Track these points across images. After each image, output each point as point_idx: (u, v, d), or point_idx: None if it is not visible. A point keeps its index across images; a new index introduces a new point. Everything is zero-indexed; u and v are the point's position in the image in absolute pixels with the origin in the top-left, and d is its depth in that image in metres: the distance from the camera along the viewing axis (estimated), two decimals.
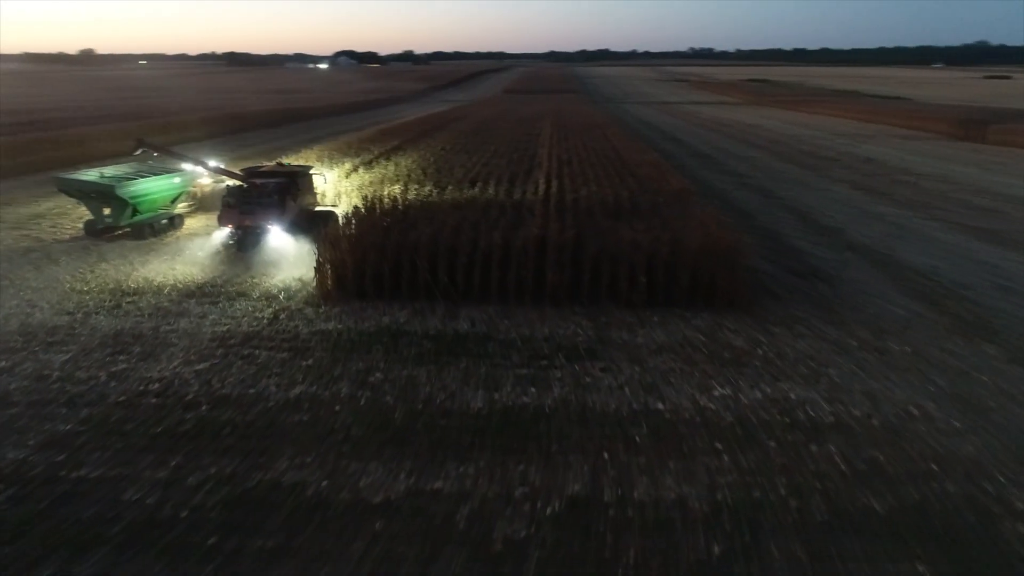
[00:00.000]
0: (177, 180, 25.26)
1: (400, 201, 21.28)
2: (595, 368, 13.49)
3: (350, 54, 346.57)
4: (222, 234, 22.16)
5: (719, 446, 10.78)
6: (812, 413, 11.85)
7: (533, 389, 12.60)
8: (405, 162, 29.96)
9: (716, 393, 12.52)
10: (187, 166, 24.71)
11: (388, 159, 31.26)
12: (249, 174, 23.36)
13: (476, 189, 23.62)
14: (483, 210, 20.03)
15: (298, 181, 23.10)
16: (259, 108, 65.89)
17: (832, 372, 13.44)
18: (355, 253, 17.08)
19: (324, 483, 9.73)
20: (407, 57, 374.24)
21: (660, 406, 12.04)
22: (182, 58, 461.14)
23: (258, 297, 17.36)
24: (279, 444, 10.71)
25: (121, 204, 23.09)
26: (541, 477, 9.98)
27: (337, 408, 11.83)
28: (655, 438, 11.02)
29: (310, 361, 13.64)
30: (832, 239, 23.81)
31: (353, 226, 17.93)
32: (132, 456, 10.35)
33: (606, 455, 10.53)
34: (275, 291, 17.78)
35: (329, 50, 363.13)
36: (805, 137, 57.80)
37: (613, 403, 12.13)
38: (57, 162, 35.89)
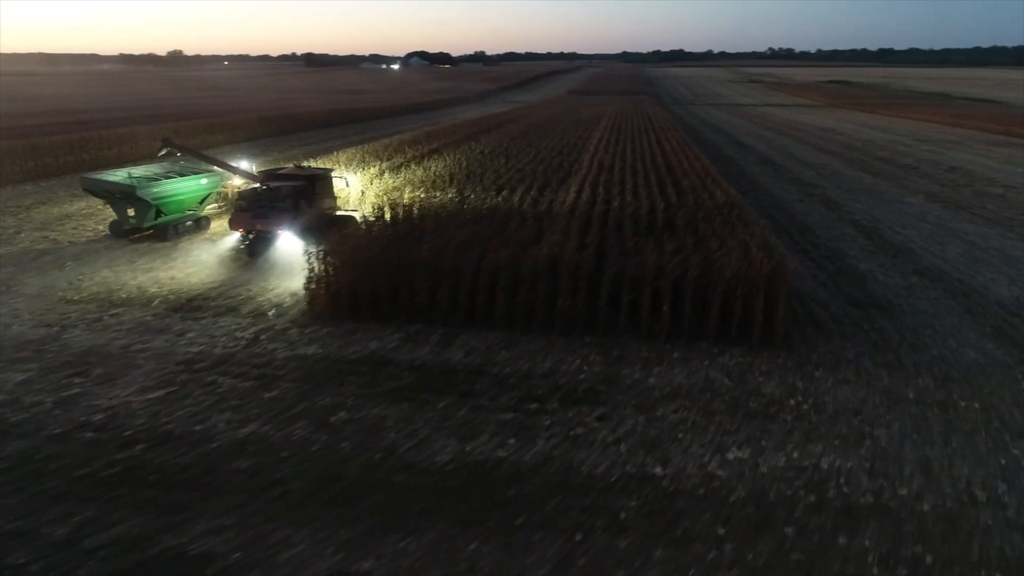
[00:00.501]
0: (204, 181, 24.77)
1: (415, 209, 19.85)
2: (592, 416, 11.60)
3: (422, 55, 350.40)
4: (235, 238, 21.56)
5: (722, 531, 8.78)
6: (847, 490, 9.65)
7: (513, 440, 10.82)
8: (438, 166, 28.55)
9: (731, 456, 10.45)
10: (212, 167, 24.28)
11: (421, 163, 29.93)
12: (267, 176, 22.76)
13: (502, 196, 22.00)
14: (501, 222, 18.36)
15: (315, 185, 22.23)
16: (319, 109, 66.00)
17: (879, 433, 11.14)
18: (351, 269, 15.67)
19: (235, 556, 8.25)
20: (478, 58, 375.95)
21: (659, 470, 10.08)
22: (264, 59, 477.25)
23: (247, 313, 16.18)
24: (205, 498, 9.32)
25: (144, 205, 22.79)
26: (494, 561, 8.23)
27: (284, 455, 10.36)
28: (645, 515, 9.10)
29: (275, 393, 12.26)
30: (900, 261, 21.03)
31: (351, 238, 16.49)
32: (40, 506, 9.13)
33: (580, 535, 8.68)
34: (268, 306, 16.59)
35: (403, 51, 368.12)
36: (883, 142, 53.70)
37: (604, 464, 10.24)
38: (104, 161, 36.26)
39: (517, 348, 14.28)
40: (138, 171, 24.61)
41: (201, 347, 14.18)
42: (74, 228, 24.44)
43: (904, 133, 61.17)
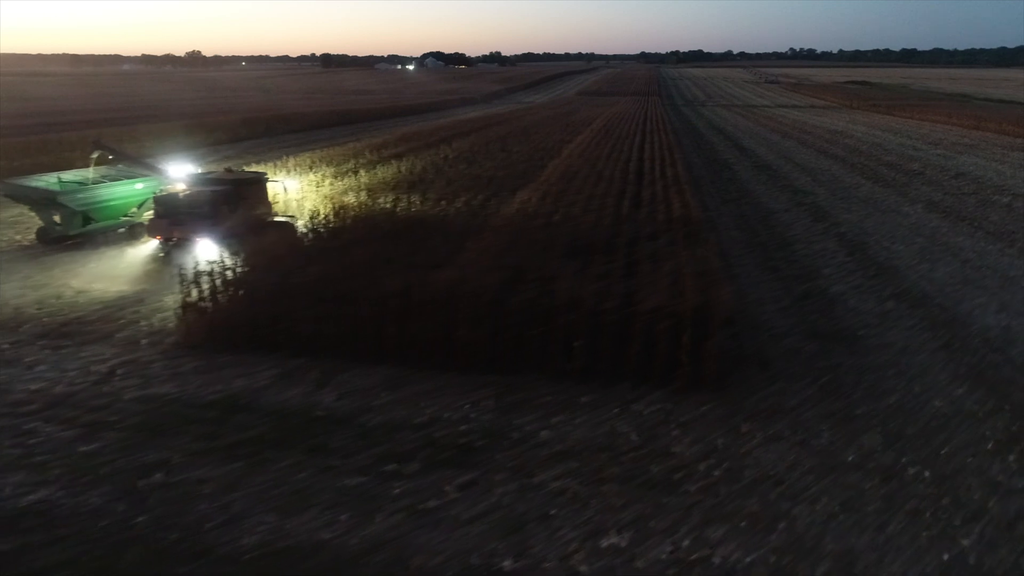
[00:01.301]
0: (140, 186, 23.35)
1: (337, 218, 18.08)
2: (455, 483, 9.63)
3: (437, 55, 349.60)
4: (153, 246, 20.49)
5: None
6: None
7: (346, 516, 8.89)
8: (392, 171, 26.76)
9: (605, 543, 8.44)
10: (148, 172, 23.10)
11: (378, 167, 28.16)
12: (195, 181, 21.51)
13: (441, 205, 20.18)
14: (420, 238, 16.46)
15: (241, 190, 20.90)
16: (313, 110, 64.65)
17: (799, 512, 9.05)
18: (230, 292, 13.87)
19: None
20: (495, 59, 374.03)
21: (508, 564, 8.10)
22: (284, 60, 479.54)
23: (120, 340, 14.43)
24: None
25: (69, 211, 21.41)
26: None
27: (62, 532, 8.53)
28: None
29: (94, 446, 10.44)
30: (880, 282, 18.79)
31: (232, 258, 14.66)
32: None
33: None
34: (149, 330, 14.84)
35: (420, 51, 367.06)
36: (892, 146, 51.06)
37: (444, 553, 8.28)
38: (64, 163, 34.84)
39: (403, 389, 12.35)
40: (69, 176, 23.27)
41: (43, 384, 12.42)
42: (17, 233, 23.00)
43: (917, 136, 58.36)
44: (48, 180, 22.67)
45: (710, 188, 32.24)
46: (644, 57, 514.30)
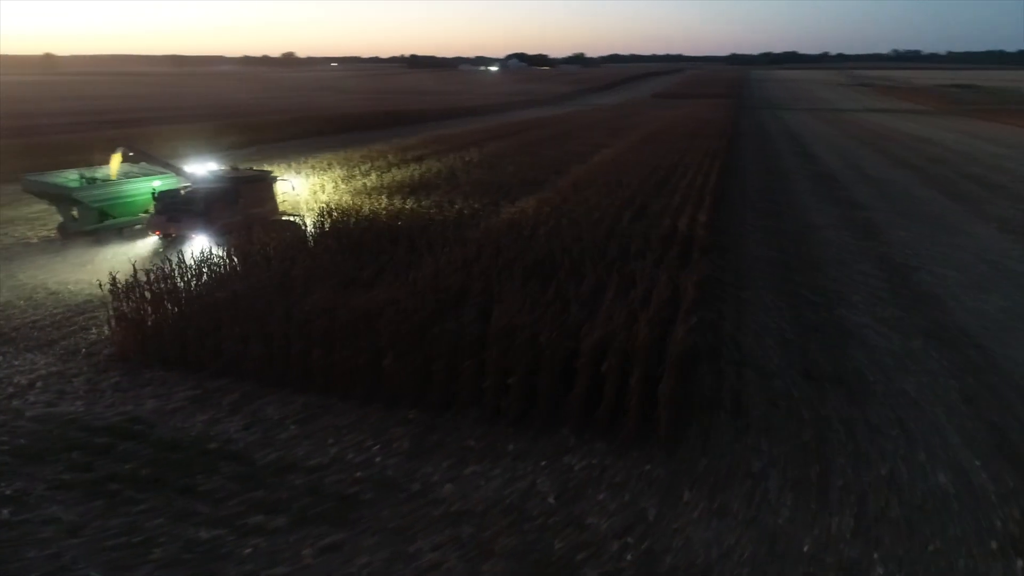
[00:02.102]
0: (157, 184, 23.36)
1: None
2: (318, 544, 8.33)
3: (520, 57, 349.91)
4: (152, 241, 20.86)
5: None
6: None
7: None
8: (401, 175, 25.92)
9: None
10: (163, 169, 23.28)
11: (392, 170, 27.44)
12: (197, 179, 21.84)
13: (433, 211, 19.09)
14: (385, 247, 15.31)
15: (240, 188, 20.98)
16: (370, 110, 64.83)
17: None
18: (155, 304, 13.06)
19: None
20: (577, 60, 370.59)
21: None
22: (374, 61, 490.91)
23: (61, 348, 13.89)
24: None
25: (85, 207, 21.83)
26: None
27: None
28: None
29: None
30: (915, 315, 16.31)
31: (163, 267, 13.82)
32: None
33: None
34: (94, 339, 14.25)
35: (506, 53, 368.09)
36: (983, 155, 46.51)
37: None
38: (103, 161, 35.76)
39: (316, 422, 11.15)
40: (91, 173, 23.72)
41: None
42: (30, 229, 23.60)
43: (1015, 145, 53.12)
44: (67, 177, 23.05)
45: (755, 199, 29.78)
46: (735, 59, 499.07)
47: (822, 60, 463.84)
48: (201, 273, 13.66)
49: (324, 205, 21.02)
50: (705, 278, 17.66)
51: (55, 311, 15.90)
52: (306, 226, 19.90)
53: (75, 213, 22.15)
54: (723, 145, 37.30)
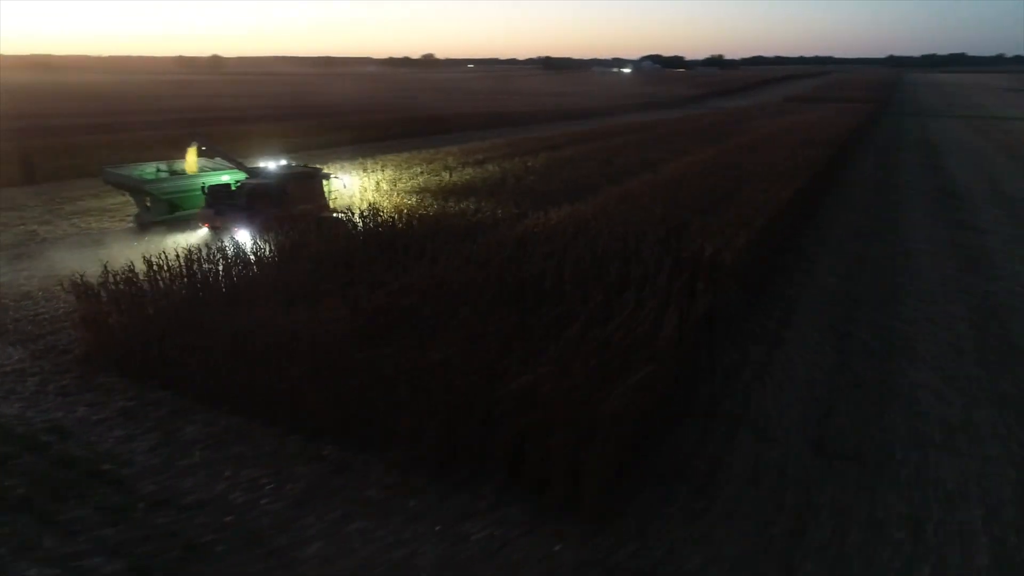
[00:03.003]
0: (225, 178, 24.15)
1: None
2: None
3: (655, 58, 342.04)
4: (202, 234, 21.29)
5: None
6: None
7: None
8: (454, 177, 25.11)
9: None
10: (230, 165, 23.83)
11: (449, 172, 26.79)
12: (251, 174, 22.48)
13: (455, 218, 18.05)
14: (366, 259, 14.27)
15: (287, 184, 21.33)
16: (471, 111, 64.69)
17: None
18: (116, 306, 12.70)
19: None
20: (714, 62, 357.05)
21: None
22: (512, 62, 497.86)
23: (40, 344, 13.97)
24: None
25: (156, 199, 23.02)
26: None
27: None
28: None
29: None
30: (994, 374, 13.18)
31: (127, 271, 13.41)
32: None
33: None
34: (73, 337, 14.19)
35: (641, 54, 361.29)
36: None
37: None
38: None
39: (228, 449, 10.23)
40: (168, 166, 24.85)
41: None
42: (96, 218, 24.75)
43: None
44: (143, 169, 24.22)
45: (849, 217, 26.30)
46: (893, 61, 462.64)
47: (996, 62, 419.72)
48: (184, 274, 13.15)
49: (361, 205, 20.62)
50: (743, 310, 15.42)
51: (61, 304, 16.09)
52: (353, 224, 19.50)
53: (148, 204, 23.45)
54: (831, 154, 33.48)
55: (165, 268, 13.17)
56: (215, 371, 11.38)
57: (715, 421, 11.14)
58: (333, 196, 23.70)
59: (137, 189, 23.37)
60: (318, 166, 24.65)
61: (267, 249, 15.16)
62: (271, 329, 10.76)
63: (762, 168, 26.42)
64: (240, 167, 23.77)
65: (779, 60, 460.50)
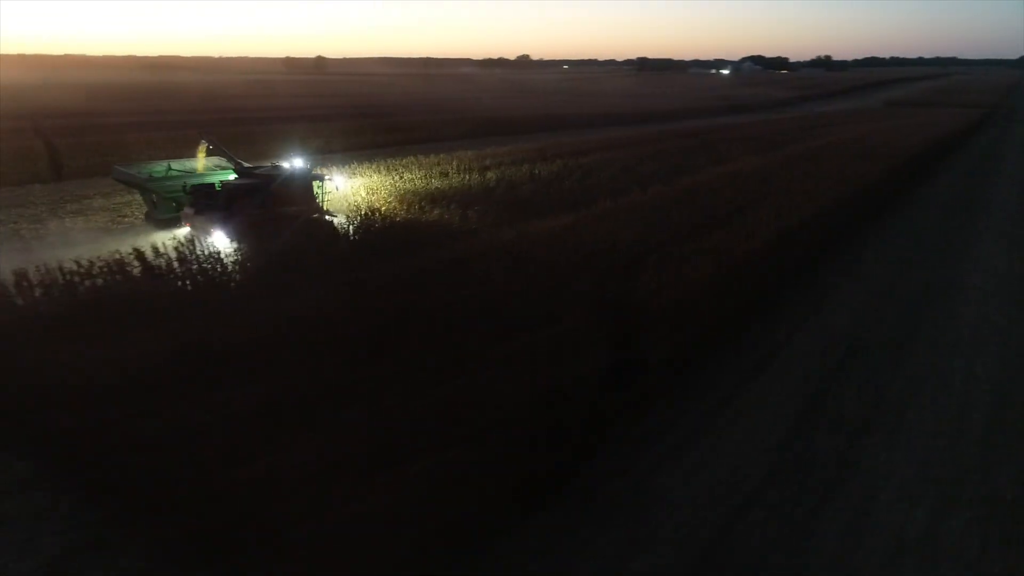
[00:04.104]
0: (232, 178, 23.76)
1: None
2: None
3: (756, 59, 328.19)
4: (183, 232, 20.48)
5: None
6: None
7: None
8: (456, 182, 23.90)
9: None
10: (232, 164, 23.68)
11: (453, 177, 25.45)
12: (240, 174, 22.37)
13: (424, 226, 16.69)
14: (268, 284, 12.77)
15: (271, 185, 20.77)
16: (524, 113, 62.75)
17: None
18: None
19: None
20: (822, 63, 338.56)
21: None
22: (610, 63, 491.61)
23: None
24: None
25: (162, 198, 23.01)
26: None
27: None
28: None
29: None
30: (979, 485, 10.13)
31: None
32: None
33: None
34: None
35: (744, 55, 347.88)
36: None
37: None
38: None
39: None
40: (178, 164, 24.65)
41: None
42: (89, 218, 24.82)
43: None
44: (153, 168, 24.06)
45: (895, 241, 22.81)
46: None
47: None
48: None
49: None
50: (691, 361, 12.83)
51: None
52: (343, 227, 19.49)
53: (155, 202, 23.35)
54: (888, 171, 29.58)
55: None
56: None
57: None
58: (327, 198, 22.84)
59: (143, 187, 23.34)
60: (308, 166, 23.71)
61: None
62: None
63: (791, 185, 23.29)
64: (237, 167, 23.36)
65: (895, 61, 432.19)
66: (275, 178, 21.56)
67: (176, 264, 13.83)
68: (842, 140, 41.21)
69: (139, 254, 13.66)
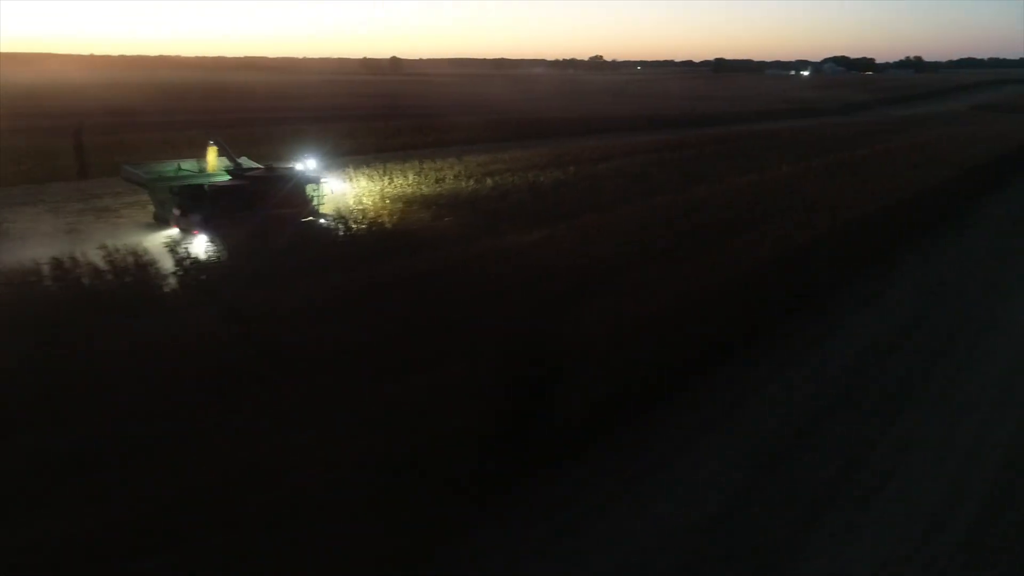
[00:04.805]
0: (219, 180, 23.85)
1: None
2: None
3: (839, 60, 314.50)
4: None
5: None
6: None
7: None
8: (441, 188, 23.15)
9: None
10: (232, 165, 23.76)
11: (448, 182, 24.83)
12: (234, 175, 22.25)
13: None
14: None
15: (259, 187, 20.82)
16: (574, 116, 61.34)
17: None
18: None
19: None
20: (910, 64, 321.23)
21: None
22: (686, 64, 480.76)
23: None
24: None
25: (163, 197, 22.90)
26: None
27: None
28: None
29: None
30: None
31: None
32: None
33: None
34: None
35: (828, 55, 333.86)
36: None
37: None
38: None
39: None
40: (187, 165, 24.91)
41: None
42: (87, 218, 24.83)
43: None
44: (163, 168, 24.40)
45: (906, 287, 20.43)
46: None
47: None
48: None
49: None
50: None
51: None
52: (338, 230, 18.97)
53: (161, 201, 23.32)
54: (946, 178, 27.04)
55: None
56: None
57: None
58: (323, 201, 22.66)
59: (148, 187, 23.42)
60: (300, 168, 23.42)
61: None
62: None
63: (812, 200, 21.41)
64: (234, 168, 23.36)
65: (994, 62, 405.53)
66: (265, 180, 21.36)
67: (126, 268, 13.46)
68: (898, 147, 38.28)
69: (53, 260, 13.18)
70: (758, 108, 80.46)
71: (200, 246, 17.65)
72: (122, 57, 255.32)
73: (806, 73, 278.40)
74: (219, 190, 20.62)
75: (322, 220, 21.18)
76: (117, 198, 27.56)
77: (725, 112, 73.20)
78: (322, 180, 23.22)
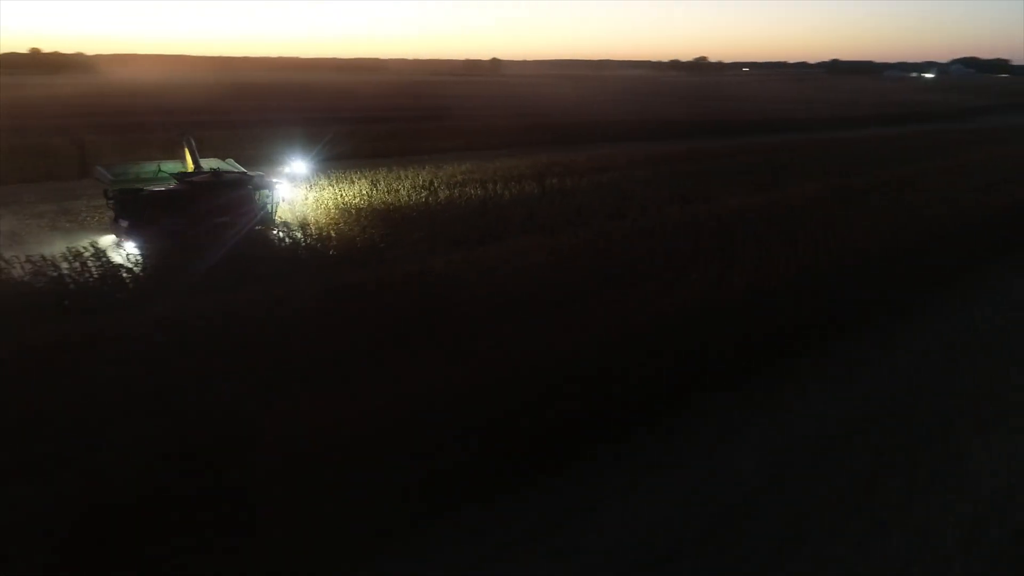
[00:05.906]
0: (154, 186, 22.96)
1: None
2: None
3: (968, 62, 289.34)
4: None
5: None
6: None
7: None
8: (409, 199, 21.55)
9: None
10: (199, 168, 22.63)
11: (415, 193, 23.18)
12: (180, 179, 20.94)
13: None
14: None
15: (197, 193, 19.66)
16: (631, 119, 57.82)
17: None
18: None
19: None
20: None
21: None
22: (801, 66, 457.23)
23: None
24: None
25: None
26: None
27: None
28: None
29: None
30: None
31: None
32: None
33: None
34: None
35: (959, 56, 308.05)
36: None
37: None
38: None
39: None
40: (168, 166, 24.09)
41: None
42: (42, 220, 24.40)
43: None
44: (141, 169, 23.56)
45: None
46: None
47: None
48: None
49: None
50: None
51: None
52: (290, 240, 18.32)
53: None
54: (999, 207, 22.42)
55: None
56: None
57: None
58: (276, 208, 21.31)
59: (105, 190, 22.65)
60: (258, 173, 22.07)
61: None
62: None
63: (824, 227, 17.84)
64: (184, 173, 22.16)
65: None
66: (207, 186, 20.15)
67: None
68: (976, 161, 32.91)
69: None
70: (847, 114, 73.28)
71: (121, 253, 16.72)
72: (245, 59, 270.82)
73: (930, 75, 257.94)
74: (151, 196, 19.35)
75: (275, 230, 19.96)
76: (91, 200, 27.18)
77: (803, 118, 66.60)
78: (275, 187, 21.67)
